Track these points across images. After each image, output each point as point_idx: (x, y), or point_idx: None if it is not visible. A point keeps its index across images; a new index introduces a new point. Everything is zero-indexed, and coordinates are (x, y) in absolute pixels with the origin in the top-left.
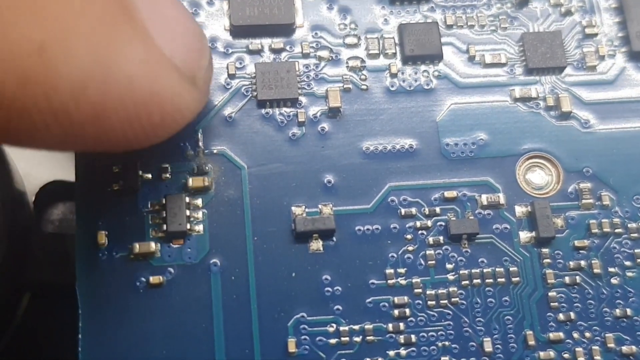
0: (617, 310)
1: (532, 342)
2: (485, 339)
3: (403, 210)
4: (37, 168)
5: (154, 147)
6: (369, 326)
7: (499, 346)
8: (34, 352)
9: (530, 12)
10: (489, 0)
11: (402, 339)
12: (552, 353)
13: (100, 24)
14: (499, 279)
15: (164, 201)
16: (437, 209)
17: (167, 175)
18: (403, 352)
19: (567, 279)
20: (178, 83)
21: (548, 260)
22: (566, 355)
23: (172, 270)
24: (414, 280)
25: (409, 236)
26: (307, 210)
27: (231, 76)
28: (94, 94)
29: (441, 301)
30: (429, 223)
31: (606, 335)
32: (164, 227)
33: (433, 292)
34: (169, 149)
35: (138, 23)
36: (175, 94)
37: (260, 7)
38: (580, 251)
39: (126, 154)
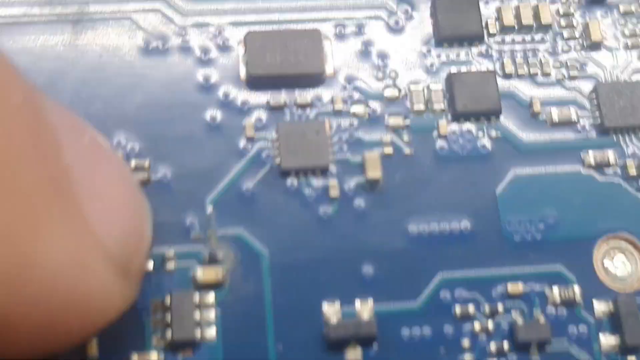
0: None
1: None
2: None
3: (458, 309)
4: None
5: (156, 228)
6: None
7: None
8: None
9: (605, 55)
10: (553, 40)
11: None
12: None
13: (25, 208)
14: None
15: (168, 300)
16: (500, 307)
17: (172, 266)
18: None
19: None
20: (109, 278)
21: None
22: None
23: None
24: None
25: (466, 343)
26: (341, 308)
27: (249, 139)
28: (3, 296)
29: None
30: (490, 325)
31: None
32: (169, 333)
33: None
34: (173, 230)
35: (71, 202)
36: (104, 292)
37: (284, 53)
38: None
39: None
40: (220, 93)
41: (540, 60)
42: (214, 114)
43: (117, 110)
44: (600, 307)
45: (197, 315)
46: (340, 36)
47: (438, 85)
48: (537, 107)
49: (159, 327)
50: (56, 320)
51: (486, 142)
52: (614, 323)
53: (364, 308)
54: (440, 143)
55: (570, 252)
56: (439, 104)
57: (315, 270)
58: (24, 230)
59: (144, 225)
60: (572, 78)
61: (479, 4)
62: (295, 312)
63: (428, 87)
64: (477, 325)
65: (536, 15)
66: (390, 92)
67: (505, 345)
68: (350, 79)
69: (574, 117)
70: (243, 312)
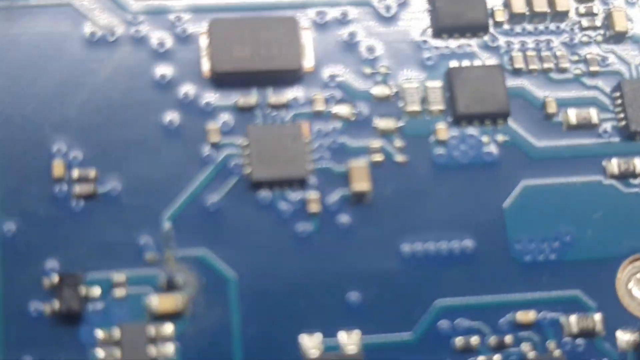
0: None
1: None
2: None
3: (459, 341)
4: None
5: (104, 248)
6: None
7: None
8: None
9: (631, 48)
10: (571, 30)
11: None
12: None
13: None
14: None
15: (118, 333)
16: (508, 338)
17: (122, 293)
18: None
19: None
20: None
21: None
22: None
23: None
24: None
25: None
26: (323, 340)
27: (214, 146)
28: None
29: None
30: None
31: None
32: None
33: None
34: (124, 251)
35: None
36: None
37: (254, 45)
38: None
39: (61, 255)
40: (180, 92)
41: (555, 54)
42: (172, 116)
43: (57, 112)
44: (625, 337)
45: (152, 350)
46: (321, 25)
47: (436, 83)
48: (551, 108)
49: None
50: None
51: (492, 149)
52: None
53: (350, 341)
54: (438, 150)
55: (590, 275)
56: (437, 105)
57: (292, 297)
58: None
59: None
60: (592, 74)
61: None
62: (269, 346)
63: (424, 85)
64: None
65: (551, 1)
66: (379, 91)
67: None
68: (332, 76)
69: (594, 120)
70: (207, 346)
